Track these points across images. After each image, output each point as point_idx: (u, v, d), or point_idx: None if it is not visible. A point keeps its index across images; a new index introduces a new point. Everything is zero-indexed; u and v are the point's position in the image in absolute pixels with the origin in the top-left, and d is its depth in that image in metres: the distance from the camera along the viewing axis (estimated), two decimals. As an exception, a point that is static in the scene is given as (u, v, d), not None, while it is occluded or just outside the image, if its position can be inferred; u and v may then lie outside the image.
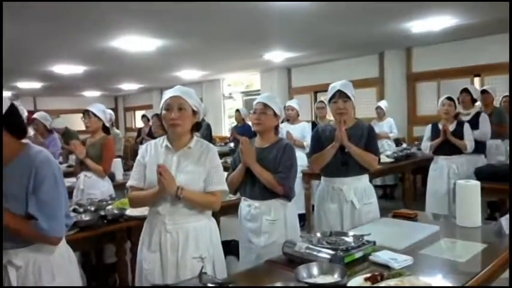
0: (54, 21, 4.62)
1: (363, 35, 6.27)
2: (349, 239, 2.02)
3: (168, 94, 2.09)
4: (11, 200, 1.51)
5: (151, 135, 8.38)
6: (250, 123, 7.51)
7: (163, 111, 2.06)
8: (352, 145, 2.62)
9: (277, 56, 7.66)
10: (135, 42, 5.69)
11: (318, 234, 2.09)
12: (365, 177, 2.76)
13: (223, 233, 3.23)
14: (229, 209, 3.31)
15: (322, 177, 2.83)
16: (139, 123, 14.12)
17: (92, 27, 4.94)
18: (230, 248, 3.60)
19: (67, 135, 6.55)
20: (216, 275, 1.95)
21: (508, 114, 4.95)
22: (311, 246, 1.91)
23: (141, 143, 8.50)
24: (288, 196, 2.49)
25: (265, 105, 2.52)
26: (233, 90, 11.76)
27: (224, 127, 11.49)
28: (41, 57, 6.80)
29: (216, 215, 2.25)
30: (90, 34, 5.29)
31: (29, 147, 1.61)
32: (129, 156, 8.44)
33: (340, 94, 2.67)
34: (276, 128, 2.60)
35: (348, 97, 2.68)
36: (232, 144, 8.09)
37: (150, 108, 13.22)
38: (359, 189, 2.69)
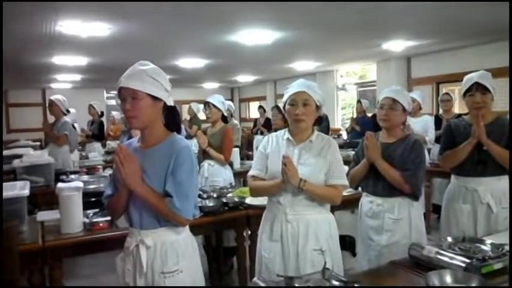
0: (181, 19, 4.96)
1: (497, 19, 5.58)
2: (487, 248, 1.84)
3: (292, 89, 2.10)
4: (153, 178, 1.69)
5: (266, 126, 8.63)
6: (370, 115, 7.29)
7: (288, 106, 2.09)
8: (492, 143, 2.37)
9: (396, 45, 7.23)
10: (254, 35, 5.84)
11: (449, 239, 1.94)
12: (504, 178, 2.47)
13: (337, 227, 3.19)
14: (346, 204, 3.25)
15: (453, 176, 2.61)
16: (253, 114, 14.61)
17: (215, 22, 5.19)
18: (345, 243, 3.56)
19: (193, 120, 7.30)
20: (333, 269, 1.93)
21: None
22: (441, 251, 1.78)
23: (257, 134, 8.80)
24: (414, 195, 2.34)
25: (394, 100, 2.39)
26: (346, 81, 11.47)
27: (337, 119, 11.28)
28: (169, 53, 7.37)
29: (331, 209, 2.22)
30: (213, 29, 5.57)
31: (174, 135, 1.79)
32: (244, 146, 8.78)
33: (477, 86, 2.43)
34: (404, 123, 2.46)
35: (487, 89, 2.42)
36: (345, 136, 7.93)
37: (263, 100, 13.55)
38: (497, 191, 2.44)
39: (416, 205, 2.41)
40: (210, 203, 2.90)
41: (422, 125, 4.95)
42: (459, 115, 5.07)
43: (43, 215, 2.71)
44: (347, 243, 3.71)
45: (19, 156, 4.42)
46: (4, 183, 2.86)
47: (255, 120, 9.62)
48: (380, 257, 2.36)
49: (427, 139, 4.84)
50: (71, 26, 4.89)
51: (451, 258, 1.71)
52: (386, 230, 2.37)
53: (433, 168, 4.45)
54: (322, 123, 2.30)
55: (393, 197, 2.37)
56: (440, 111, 5.67)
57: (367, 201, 2.49)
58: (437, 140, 5.00)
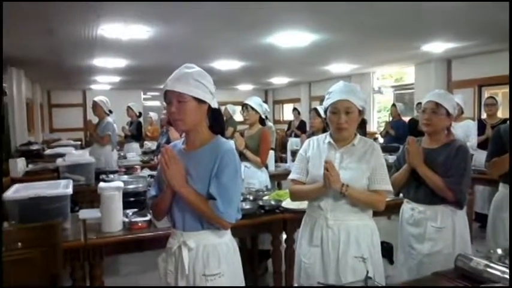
0: (219, 21, 4.99)
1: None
2: (540, 261, 1.74)
3: (334, 96, 2.04)
4: (197, 180, 1.69)
5: (301, 129, 8.57)
6: (406, 119, 7.11)
7: (329, 113, 2.06)
8: (544, 150, 2.25)
9: (436, 47, 7.01)
10: (290, 37, 5.81)
11: (499, 251, 1.84)
12: (557, 188, 2.34)
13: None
14: (384, 210, 3.17)
15: (502, 184, 2.51)
16: (287, 116, 14.56)
17: (252, 25, 5.20)
18: (382, 250, 3.46)
19: (229, 122, 7.36)
20: (374, 278, 1.88)
21: None
22: (491, 264, 1.70)
23: (291, 136, 8.75)
24: (458, 203, 2.26)
25: (437, 104, 2.31)
26: (382, 84, 11.25)
27: (373, 122, 11.07)
28: (205, 55, 7.45)
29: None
30: (250, 32, 5.58)
31: (219, 138, 1.79)
32: (278, 149, 8.74)
33: (531, 91, 2.32)
34: (449, 128, 2.37)
35: (541, 94, 2.31)
36: (381, 140, 7.77)
37: (297, 102, 13.47)
38: (549, 201, 2.31)
39: (460, 213, 2.32)
40: (246, 206, 2.89)
41: (464, 130, 4.77)
42: (504, 120, 4.87)
43: (85, 213, 2.78)
44: (384, 250, 3.61)
45: (61, 155, 4.59)
46: (48, 181, 2.98)
47: (289, 123, 9.57)
48: (421, 266, 2.29)
49: (469, 144, 4.65)
50: (112, 29, 5.03)
51: (503, 272, 1.63)
52: (428, 238, 2.30)
53: (476, 175, 4.28)
54: (365, 125, 2.26)
55: (436, 205, 2.29)
56: (483, 115, 5.45)
57: (409, 208, 2.42)
58: (480, 145, 4.81)
